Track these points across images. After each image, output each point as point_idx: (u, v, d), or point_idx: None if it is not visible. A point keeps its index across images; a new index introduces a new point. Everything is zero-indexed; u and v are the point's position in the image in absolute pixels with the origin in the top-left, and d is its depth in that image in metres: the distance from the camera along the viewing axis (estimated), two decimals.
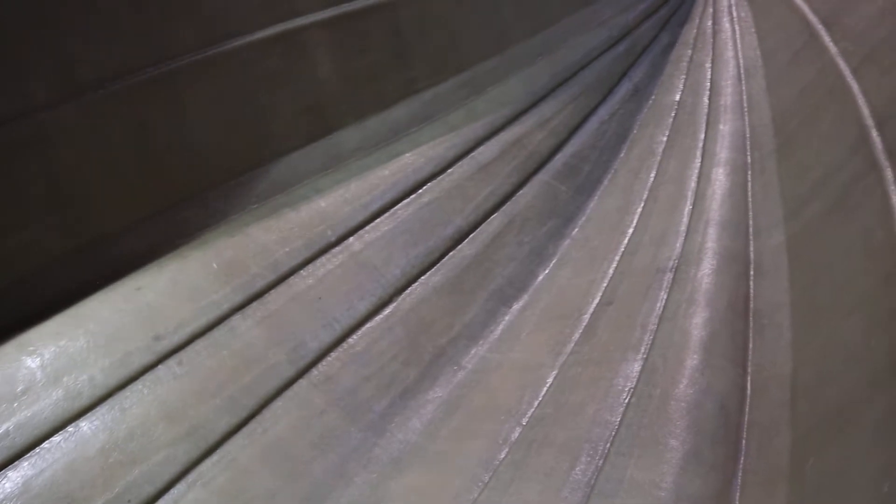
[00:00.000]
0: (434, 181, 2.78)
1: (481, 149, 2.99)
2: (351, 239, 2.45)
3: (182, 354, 1.92)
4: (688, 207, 2.68)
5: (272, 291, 2.21)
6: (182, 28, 2.23)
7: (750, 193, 2.67)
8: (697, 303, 2.12)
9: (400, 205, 2.64)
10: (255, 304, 2.15)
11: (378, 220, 2.55)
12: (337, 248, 2.41)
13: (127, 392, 1.77)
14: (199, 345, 1.96)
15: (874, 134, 2.14)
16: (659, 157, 3.21)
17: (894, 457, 1.15)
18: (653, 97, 3.72)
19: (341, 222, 2.47)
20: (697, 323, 2.04)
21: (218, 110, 2.37)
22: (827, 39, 2.94)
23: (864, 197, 1.96)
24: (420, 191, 2.73)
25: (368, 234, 2.50)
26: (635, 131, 3.52)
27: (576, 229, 2.97)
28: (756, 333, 2.00)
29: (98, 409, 1.70)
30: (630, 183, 3.13)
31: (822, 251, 2.04)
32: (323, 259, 2.36)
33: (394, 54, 2.94)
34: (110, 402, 1.73)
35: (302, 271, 2.30)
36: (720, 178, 2.78)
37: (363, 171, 2.69)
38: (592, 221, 2.98)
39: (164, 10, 2.19)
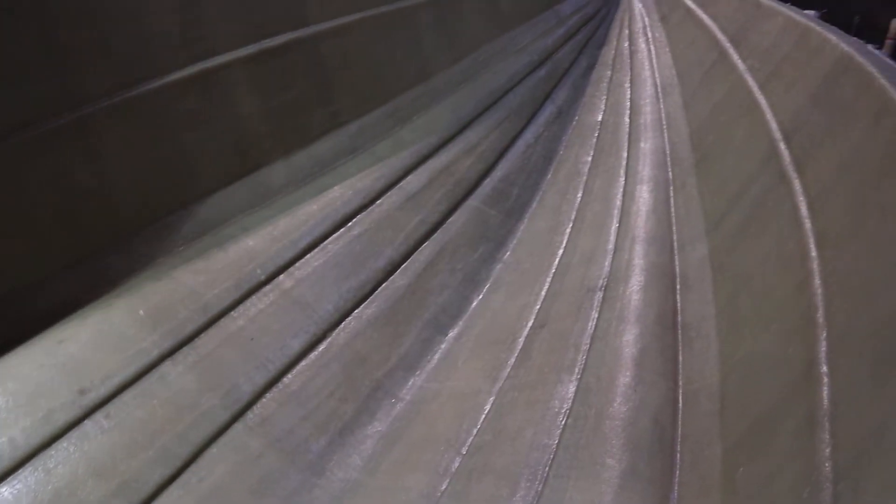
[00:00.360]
0: (363, 213, 2.78)
1: (409, 178, 3.01)
2: (281, 277, 2.43)
3: (110, 407, 1.86)
4: (614, 225, 2.75)
5: (203, 335, 2.17)
6: (95, 73, 2.19)
7: (673, 209, 2.74)
8: (627, 320, 2.17)
9: (330, 239, 2.64)
10: (185, 349, 2.10)
11: (308, 255, 2.54)
12: (267, 287, 2.38)
13: (51, 451, 1.70)
14: (127, 395, 1.91)
15: (782, 147, 2.24)
16: (585, 177, 3.29)
17: (811, 464, 1.19)
18: (576, 118, 3.81)
19: (270, 260, 2.45)
20: (628, 340, 2.08)
21: (137, 154, 2.33)
22: (735, 57, 3.07)
23: (775, 208, 2.04)
24: (350, 224, 2.72)
25: (299, 270, 2.48)
26: (561, 152, 3.60)
27: (507, 253, 3.00)
28: (685, 346, 2.06)
29: (20, 471, 1.64)
30: (558, 204, 3.19)
31: (741, 262, 2.11)
32: (254, 299, 2.33)
33: (317, 88, 2.94)
34: (34, 462, 1.67)
35: (233, 312, 2.26)
36: (644, 195, 2.86)
37: (291, 207, 2.67)
38: (523, 244, 3.02)
39: (75, 55, 2.15)
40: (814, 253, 1.65)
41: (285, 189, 2.74)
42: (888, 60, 2.07)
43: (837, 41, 2.31)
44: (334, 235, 2.66)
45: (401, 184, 2.98)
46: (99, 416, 1.82)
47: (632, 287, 2.31)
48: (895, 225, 1.33)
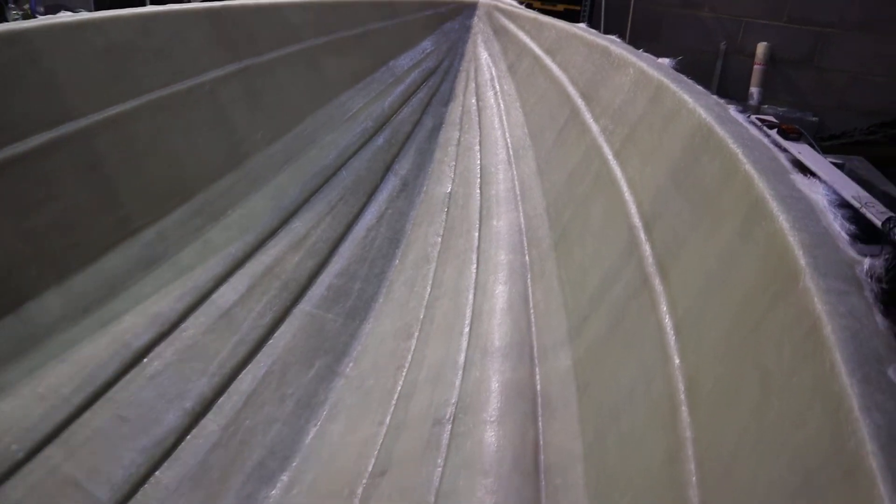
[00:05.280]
0: (162, 344, 2.38)
1: (222, 290, 2.63)
2: (48, 449, 2.00)
3: None
4: (465, 330, 2.45)
5: None
6: None
7: (531, 304, 2.47)
8: (479, 468, 1.85)
9: (117, 386, 2.22)
10: None
11: (85, 414, 2.11)
12: (28, 467, 1.95)
13: None
14: None
15: (643, 237, 1.99)
16: (434, 264, 2.98)
17: None
18: (424, 190, 3.51)
19: (32, 429, 2.01)
20: (480, 498, 1.77)
21: None
22: (588, 116, 2.84)
23: (639, 321, 1.79)
24: (144, 360, 2.32)
25: (73, 436, 2.05)
26: (409, 232, 3.28)
27: (350, 364, 2.66)
28: (549, 500, 1.76)
29: None
30: (406, 298, 2.87)
31: (608, 386, 1.85)
32: (6, 488, 1.89)
33: (96, 193, 2.53)
34: None
35: None
36: (498, 287, 2.57)
37: (67, 350, 2.24)
38: (368, 352, 2.69)
39: None
40: (684, 408, 1.38)
41: (60, 326, 2.31)
42: (755, 133, 1.83)
43: (694, 105, 2.08)
44: (124, 379, 2.25)
45: (211, 297, 2.59)
46: None
47: (485, 418, 2.01)
48: (779, 405, 1.06)
